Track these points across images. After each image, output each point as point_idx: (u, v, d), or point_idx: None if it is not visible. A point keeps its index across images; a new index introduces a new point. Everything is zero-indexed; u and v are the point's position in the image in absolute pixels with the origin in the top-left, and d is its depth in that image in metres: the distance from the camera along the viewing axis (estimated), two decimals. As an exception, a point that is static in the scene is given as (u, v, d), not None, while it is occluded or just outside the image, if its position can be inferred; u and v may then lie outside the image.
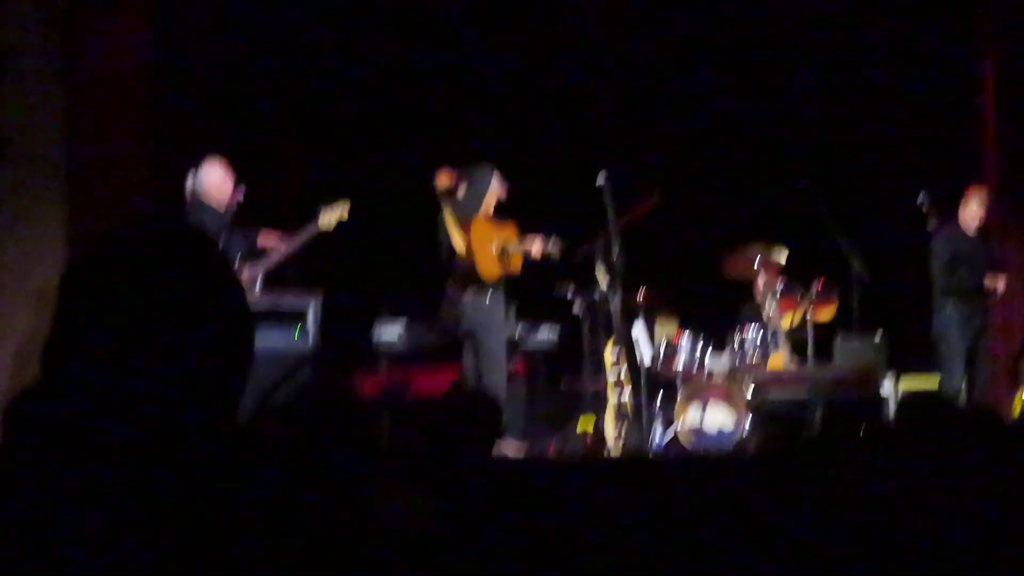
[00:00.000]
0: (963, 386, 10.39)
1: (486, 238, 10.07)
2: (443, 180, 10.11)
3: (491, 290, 10.04)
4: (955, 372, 10.50)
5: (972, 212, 10.71)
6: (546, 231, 10.36)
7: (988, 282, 10.66)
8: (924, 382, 10.80)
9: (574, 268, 10.79)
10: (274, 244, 9.75)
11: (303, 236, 9.79)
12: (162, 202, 10.34)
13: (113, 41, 10.48)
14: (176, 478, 1.74)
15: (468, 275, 10.05)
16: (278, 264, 9.77)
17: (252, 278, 9.49)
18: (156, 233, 1.89)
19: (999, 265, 11.18)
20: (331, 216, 9.80)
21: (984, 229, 10.99)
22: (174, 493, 1.74)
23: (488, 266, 10.04)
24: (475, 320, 10.00)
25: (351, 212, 9.90)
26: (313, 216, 9.84)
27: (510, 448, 9.66)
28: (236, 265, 9.41)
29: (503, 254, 10.10)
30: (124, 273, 1.81)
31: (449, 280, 10.50)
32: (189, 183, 9.48)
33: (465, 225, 10.06)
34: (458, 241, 10.05)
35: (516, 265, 10.20)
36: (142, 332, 1.77)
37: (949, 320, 10.60)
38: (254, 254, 9.69)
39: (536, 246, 10.23)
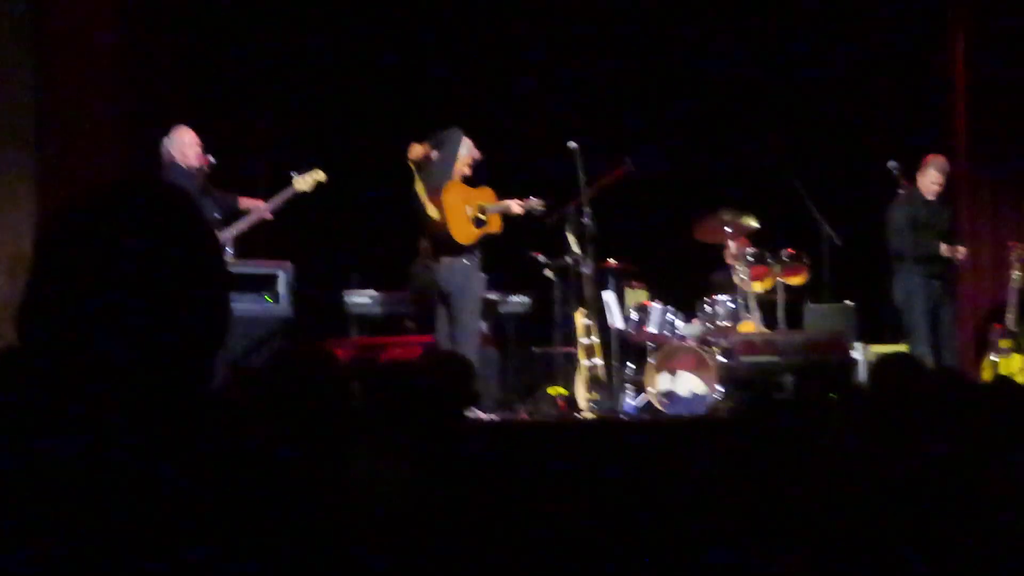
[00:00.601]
0: (929, 352, 10.42)
1: (460, 202, 10.04)
2: (415, 151, 10.09)
3: (466, 254, 10.01)
4: (920, 338, 10.51)
5: (931, 178, 10.68)
6: (519, 196, 10.34)
7: (946, 250, 10.66)
8: (893, 351, 10.85)
9: (545, 234, 10.80)
10: (254, 206, 9.77)
11: (277, 200, 9.82)
12: (132, 168, 10.30)
13: (83, 5, 10.41)
14: (150, 442, 1.74)
15: (442, 241, 10.03)
16: (250, 227, 9.77)
17: (223, 242, 9.47)
18: (131, 190, 1.87)
19: (961, 233, 11.22)
20: (305, 181, 9.82)
21: (947, 197, 10.97)
22: (147, 457, 1.73)
23: (462, 230, 10.01)
24: (450, 284, 9.97)
25: (325, 179, 9.92)
26: (287, 181, 9.86)
27: (482, 416, 9.67)
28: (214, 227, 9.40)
29: (479, 216, 10.07)
30: (99, 232, 1.78)
31: (421, 248, 10.50)
32: (163, 146, 9.56)
33: (437, 191, 10.03)
34: (431, 208, 10.03)
35: (495, 225, 10.16)
36: (118, 292, 1.75)
37: (909, 286, 10.60)
38: (234, 216, 9.71)
39: (516, 205, 10.21)
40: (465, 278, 9.97)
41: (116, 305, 1.75)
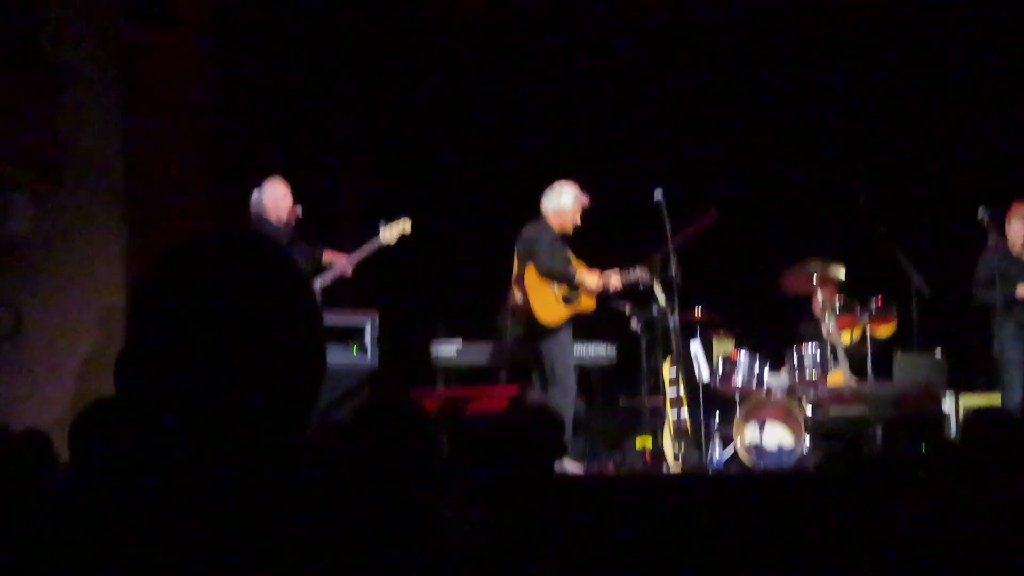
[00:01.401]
0: (1021, 403, 10.26)
1: (542, 285, 10.03)
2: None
3: (554, 333, 9.99)
4: (1014, 389, 10.37)
5: (1015, 228, 10.54)
6: (608, 254, 10.32)
7: (1020, 291, 10.45)
8: (985, 401, 10.69)
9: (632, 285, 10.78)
10: (338, 260, 9.86)
11: (364, 251, 9.91)
12: (220, 221, 10.42)
13: (171, 60, 10.56)
14: (246, 491, 1.75)
15: (529, 324, 10.07)
16: (337, 279, 9.85)
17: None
18: (226, 242, 1.89)
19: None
20: (392, 232, 9.91)
21: None
22: (243, 506, 1.74)
23: (548, 311, 10.01)
24: (541, 353, 10.00)
25: (412, 230, 9.99)
26: (374, 232, 9.94)
27: (570, 468, 9.64)
28: None
29: (568, 298, 10.02)
30: (196, 284, 1.80)
31: (510, 299, 10.53)
32: (253, 199, 9.67)
33: (520, 276, 10.08)
34: (516, 292, 10.09)
35: (588, 302, 10.12)
36: (215, 343, 1.77)
37: (1001, 337, 10.46)
38: (318, 269, 9.80)
39: (615, 280, 10.18)
40: (559, 350, 9.96)
41: (213, 357, 1.76)
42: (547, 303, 9.99)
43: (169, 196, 10.33)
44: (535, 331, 10.02)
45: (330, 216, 12.06)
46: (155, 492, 1.73)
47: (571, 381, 9.96)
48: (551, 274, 9.99)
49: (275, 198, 9.66)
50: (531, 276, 10.05)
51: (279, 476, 1.79)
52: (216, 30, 11.08)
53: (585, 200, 10.23)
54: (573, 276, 9.99)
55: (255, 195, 9.73)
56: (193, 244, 1.87)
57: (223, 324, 1.77)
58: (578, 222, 10.22)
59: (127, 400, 1.79)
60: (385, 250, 10.02)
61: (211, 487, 1.74)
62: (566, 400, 9.73)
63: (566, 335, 10.02)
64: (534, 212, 10.36)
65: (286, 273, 1.88)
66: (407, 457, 3.62)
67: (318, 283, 9.77)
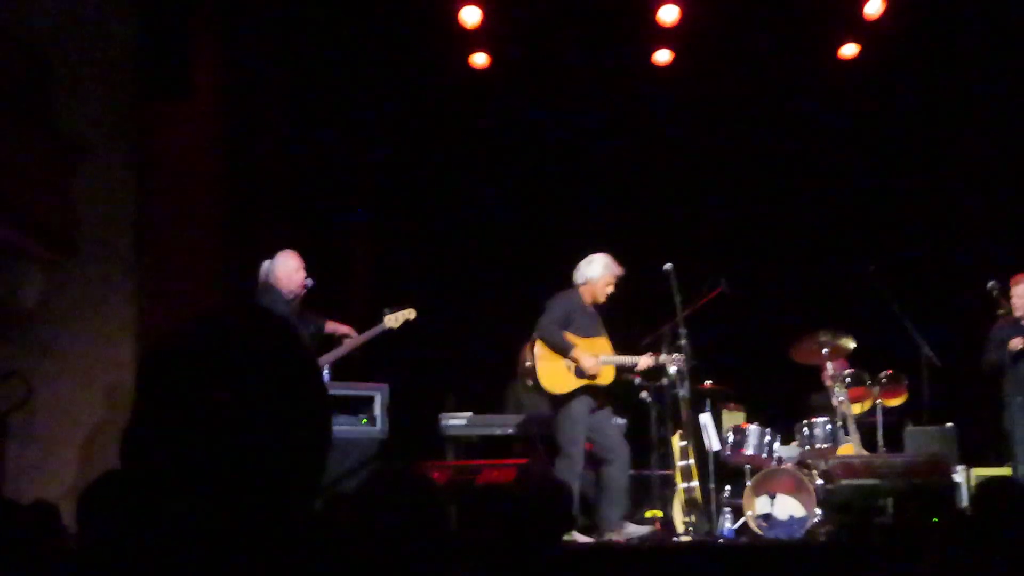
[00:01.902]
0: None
1: (553, 354, 10.04)
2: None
3: (560, 401, 10.00)
4: (1021, 460, 10.34)
5: (1018, 298, 10.53)
6: (618, 327, 10.32)
7: (1013, 343, 10.42)
8: (996, 473, 10.64)
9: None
10: (340, 331, 9.89)
11: (368, 335, 9.96)
12: (232, 293, 10.44)
13: (184, 132, 10.62)
14: (254, 564, 1.74)
15: (537, 388, 10.10)
16: (343, 357, 9.90)
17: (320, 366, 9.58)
18: (235, 318, 1.89)
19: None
20: (396, 319, 9.98)
21: None
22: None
23: (554, 380, 10.02)
24: (554, 418, 10.02)
25: (419, 313, 10.06)
26: (379, 319, 10.00)
27: (580, 541, 9.62)
28: None
29: (581, 371, 10.00)
30: (203, 358, 1.80)
31: (519, 369, 10.54)
32: (263, 268, 9.71)
33: (532, 340, 10.12)
34: (527, 353, 10.15)
35: (606, 376, 10.11)
36: (222, 418, 1.76)
37: (1011, 409, 10.44)
38: (321, 339, 9.84)
39: (647, 359, 10.17)
40: (567, 422, 9.96)
41: (218, 431, 1.76)
42: (553, 371, 9.99)
43: (181, 268, 10.36)
44: (549, 400, 10.05)
45: (339, 289, 12.10)
46: (163, 566, 1.73)
47: (577, 453, 9.92)
48: (544, 339, 10.00)
49: (288, 271, 9.70)
50: (541, 343, 10.07)
51: (286, 548, 1.79)
52: (232, 101, 11.15)
53: (618, 270, 10.21)
54: (567, 348, 9.96)
55: (266, 265, 9.77)
56: (200, 319, 1.87)
57: (228, 399, 1.77)
58: (611, 291, 10.18)
59: (133, 474, 1.79)
60: (393, 332, 10.08)
61: (218, 561, 1.74)
62: (571, 472, 9.71)
63: (578, 406, 9.98)
64: (547, 285, 10.40)
65: (291, 348, 1.88)
66: (416, 528, 3.61)
67: (330, 357, 9.81)
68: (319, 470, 1.87)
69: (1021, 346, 10.36)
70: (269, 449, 1.78)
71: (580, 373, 10.00)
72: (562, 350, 9.96)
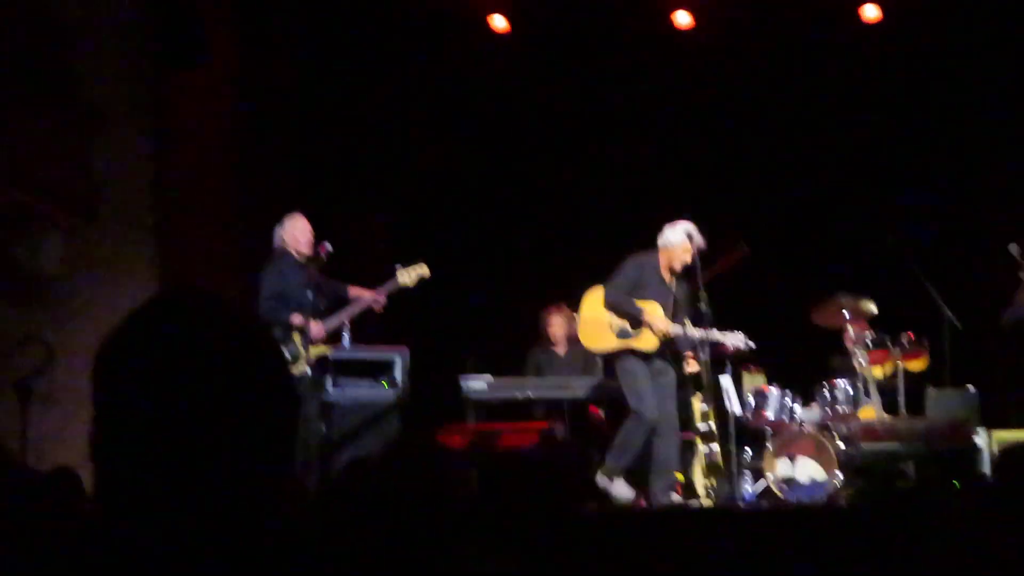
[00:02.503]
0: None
1: (599, 311, 10.04)
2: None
3: (617, 361, 10.05)
4: None
5: None
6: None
7: None
8: (1018, 436, 10.62)
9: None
10: (364, 297, 9.91)
11: (380, 292, 9.97)
12: (248, 255, 10.46)
13: (201, 97, 10.62)
14: (222, 558, 1.73)
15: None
16: (352, 317, 9.92)
17: (320, 332, 9.64)
18: (178, 305, 1.86)
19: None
20: (409, 275, 9.97)
21: None
22: (243, 554, 1.73)
23: (591, 336, 10.03)
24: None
25: (436, 270, 10.05)
26: (391, 275, 10.00)
27: (622, 491, 9.66)
28: (316, 317, 9.61)
29: (624, 333, 9.98)
30: (152, 349, 1.77)
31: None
32: (276, 234, 9.77)
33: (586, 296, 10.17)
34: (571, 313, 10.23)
35: (647, 342, 10.07)
36: (179, 410, 1.74)
37: None
38: (341, 304, 9.87)
39: (732, 340, 10.18)
40: (626, 378, 10.01)
41: (179, 418, 1.74)
42: (593, 329, 10.01)
43: (199, 232, 10.38)
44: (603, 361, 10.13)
45: (359, 254, 12.10)
46: (134, 563, 1.72)
47: (645, 409, 9.90)
48: (614, 308, 9.96)
49: (294, 233, 9.79)
50: (591, 298, 10.05)
51: (273, 539, 1.78)
52: (247, 68, 11.14)
53: (700, 241, 10.06)
54: (636, 312, 9.93)
55: (277, 230, 9.85)
56: (142, 311, 1.84)
57: (184, 385, 1.75)
58: (688, 261, 10.05)
59: (106, 475, 1.77)
60: (411, 289, 10.08)
61: (201, 555, 1.72)
62: (633, 426, 9.79)
63: (632, 364, 9.99)
64: (568, 247, 10.39)
65: (242, 325, 1.86)
66: (436, 496, 3.60)
67: (336, 320, 9.84)
68: (288, 443, 1.84)
69: None
70: (232, 434, 1.76)
71: (624, 335, 9.98)
72: (631, 315, 9.95)
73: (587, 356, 11.46)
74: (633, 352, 9.97)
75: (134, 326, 1.82)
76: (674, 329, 9.95)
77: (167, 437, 1.73)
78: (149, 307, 1.85)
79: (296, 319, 9.54)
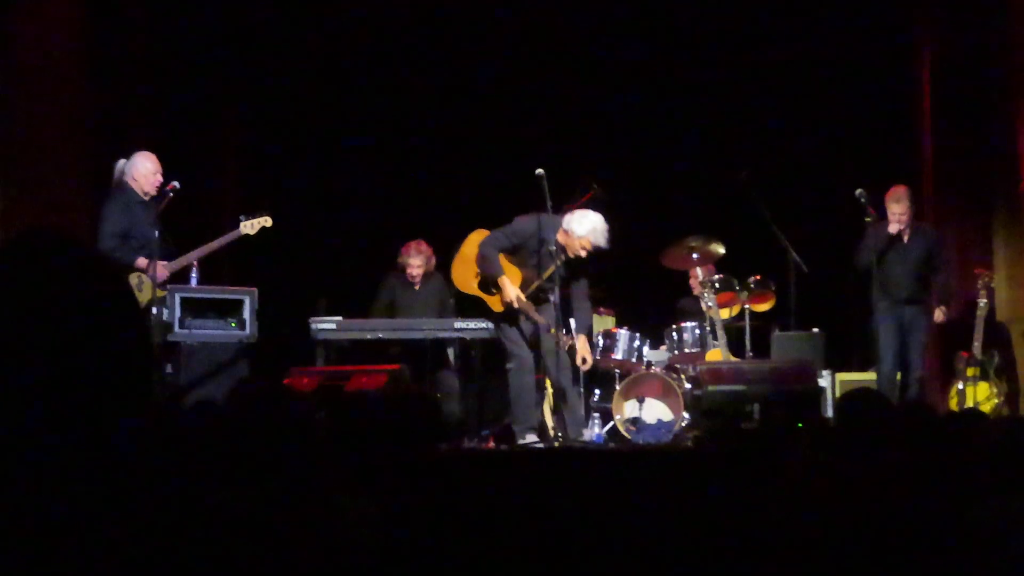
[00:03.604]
0: (896, 381, 10.40)
1: (470, 259, 10.13)
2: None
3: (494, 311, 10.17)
4: (884, 367, 10.50)
5: (891, 210, 10.61)
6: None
7: (911, 290, 10.56)
8: (861, 378, 10.83)
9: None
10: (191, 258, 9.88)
11: (223, 240, 9.92)
12: (95, 192, 10.25)
13: (46, 24, 10.34)
14: (101, 482, 1.71)
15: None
16: (191, 262, 9.85)
17: (164, 275, 9.57)
18: (26, 246, 1.83)
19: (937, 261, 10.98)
20: (252, 226, 9.95)
21: (920, 229, 10.83)
22: (100, 498, 1.70)
23: (462, 276, 10.15)
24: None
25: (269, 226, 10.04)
26: (234, 225, 9.96)
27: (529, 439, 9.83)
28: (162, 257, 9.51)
29: (485, 286, 10.02)
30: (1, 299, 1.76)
31: None
32: (118, 167, 9.64)
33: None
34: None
35: (493, 303, 10.10)
36: (31, 345, 1.72)
37: (877, 314, 10.57)
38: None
39: (522, 304, 10.08)
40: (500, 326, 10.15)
41: (31, 358, 1.72)
42: (466, 270, 10.08)
43: (44, 166, 10.14)
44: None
45: (206, 196, 11.95)
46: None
47: (520, 351, 10.00)
48: (480, 261, 9.94)
49: (143, 172, 9.68)
50: (473, 239, 10.13)
51: (128, 463, 1.75)
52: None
53: (602, 243, 9.91)
54: (495, 274, 9.91)
55: (121, 163, 9.73)
56: None
57: (34, 326, 1.73)
58: (581, 255, 9.91)
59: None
60: (264, 232, 10.05)
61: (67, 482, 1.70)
62: (517, 372, 9.95)
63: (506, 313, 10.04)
64: (419, 190, 10.33)
65: (92, 266, 1.83)
66: (282, 439, 3.57)
67: (175, 265, 9.76)
68: (142, 382, 1.82)
69: (895, 231, 10.51)
70: (84, 369, 1.74)
71: (484, 289, 9.99)
72: (491, 275, 9.94)
73: (442, 294, 11.48)
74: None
75: None
76: (521, 304, 9.93)
77: (19, 385, 1.70)
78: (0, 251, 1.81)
79: (141, 262, 9.41)
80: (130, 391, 1.79)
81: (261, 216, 10.05)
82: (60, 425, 1.71)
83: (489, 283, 9.97)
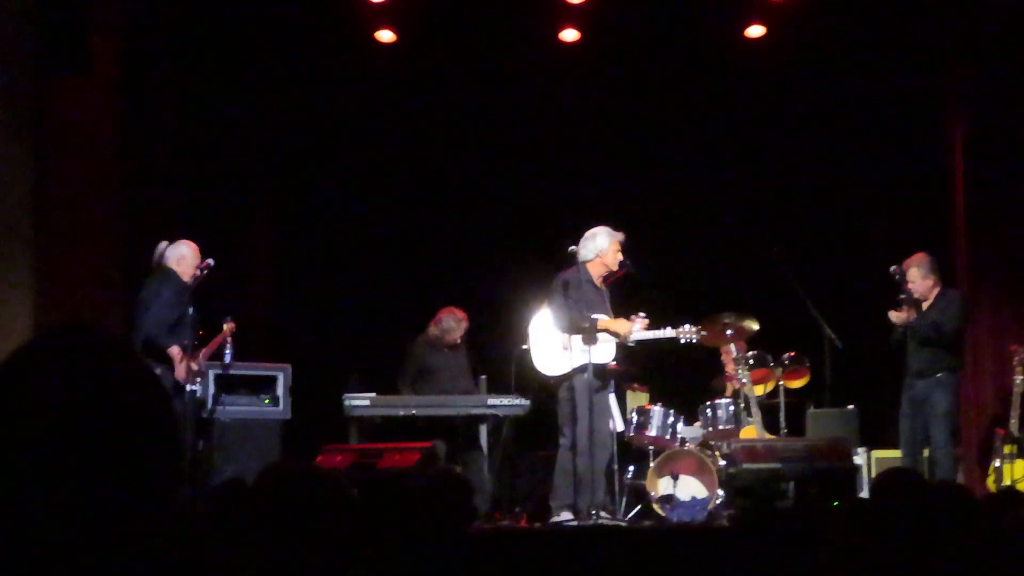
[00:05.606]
0: (909, 455, 10.25)
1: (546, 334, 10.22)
2: None
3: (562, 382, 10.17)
4: (906, 448, 10.33)
5: (912, 284, 10.46)
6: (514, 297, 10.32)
7: (920, 364, 10.37)
8: (897, 455, 10.73)
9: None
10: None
11: (212, 346, 9.99)
12: (129, 272, 10.30)
13: (84, 108, 10.44)
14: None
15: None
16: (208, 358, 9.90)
17: (183, 375, 9.54)
18: (63, 341, 1.81)
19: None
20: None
21: (943, 295, 10.64)
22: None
23: (546, 363, 10.22)
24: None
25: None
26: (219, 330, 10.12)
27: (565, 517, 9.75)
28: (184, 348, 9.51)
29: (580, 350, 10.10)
30: (37, 386, 1.74)
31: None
32: (159, 249, 9.65)
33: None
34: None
35: (603, 354, 10.18)
36: (64, 441, 1.70)
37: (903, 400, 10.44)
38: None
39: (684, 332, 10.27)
40: (562, 395, 10.20)
41: (63, 455, 1.70)
42: (546, 355, 10.13)
43: (80, 245, 10.20)
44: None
45: (240, 265, 12.00)
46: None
47: (573, 433, 9.98)
48: (572, 328, 9.95)
49: (182, 257, 9.73)
50: (536, 324, 10.29)
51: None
52: (131, 75, 10.96)
53: (619, 235, 10.22)
54: (588, 324, 9.88)
55: (163, 246, 9.72)
56: (27, 347, 1.80)
57: (68, 422, 1.71)
58: (620, 257, 10.19)
59: None
60: (297, 306, 10.11)
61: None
62: (565, 452, 9.92)
63: (580, 383, 9.98)
64: (449, 265, 10.34)
65: (128, 364, 1.82)
66: (314, 518, 3.56)
67: (207, 353, 9.83)
68: (170, 480, 1.81)
69: (897, 319, 10.39)
70: (114, 466, 1.72)
71: (580, 351, 9.95)
72: (586, 330, 9.90)
73: (470, 357, 11.50)
74: (584, 371, 9.93)
75: (14, 367, 1.77)
76: (637, 330, 10.03)
77: (45, 485, 1.69)
78: (31, 347, 1.81)
79: (174, 351, 9.40)
80: (154, 496, 1.77)
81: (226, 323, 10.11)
82: (82, 520, 1.70)
83: (591, 337, 9.91)
